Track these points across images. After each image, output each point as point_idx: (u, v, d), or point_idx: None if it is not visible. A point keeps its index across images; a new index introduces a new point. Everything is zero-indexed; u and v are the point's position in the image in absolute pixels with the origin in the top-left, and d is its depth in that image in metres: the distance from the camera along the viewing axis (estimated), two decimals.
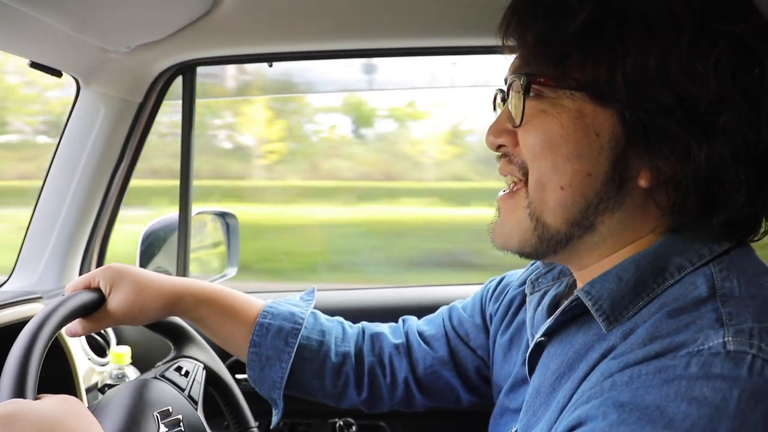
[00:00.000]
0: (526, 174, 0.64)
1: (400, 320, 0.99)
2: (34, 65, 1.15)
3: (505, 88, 0.68)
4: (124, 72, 1.27)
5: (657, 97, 0.56)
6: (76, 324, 0.82)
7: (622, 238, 0.62)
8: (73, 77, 1.27)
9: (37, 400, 0.62)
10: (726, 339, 0.50)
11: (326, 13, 1.18)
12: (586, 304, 0.60)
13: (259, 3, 1.12)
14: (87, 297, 0.81)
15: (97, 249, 1.42)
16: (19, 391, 0.63)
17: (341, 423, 1.43)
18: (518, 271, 0.90)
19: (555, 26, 0.59)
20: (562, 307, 0.64)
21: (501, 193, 0.70)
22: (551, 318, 0.66)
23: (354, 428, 1.43)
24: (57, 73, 1.21)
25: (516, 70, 0.64)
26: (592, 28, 0.58)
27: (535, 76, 0.61)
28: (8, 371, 0.65)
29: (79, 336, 0.84)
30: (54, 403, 0.59)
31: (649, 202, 0.60)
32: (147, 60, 1.27)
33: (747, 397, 0.47)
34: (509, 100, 0.65)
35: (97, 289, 0.83)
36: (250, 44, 1.26)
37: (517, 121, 0.63)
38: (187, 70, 1.34)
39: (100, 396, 1.19)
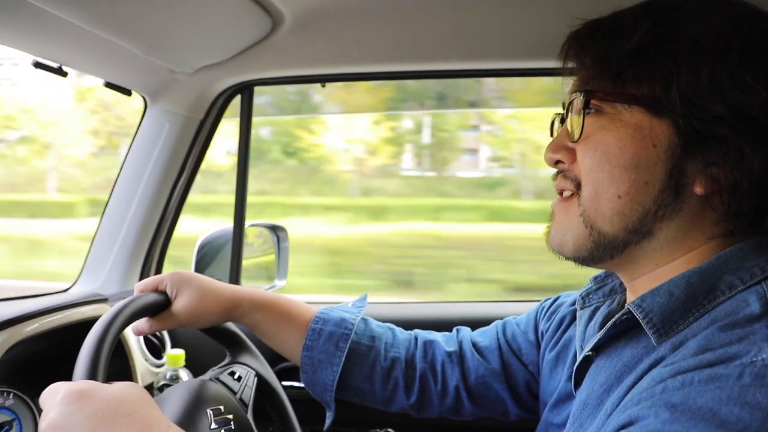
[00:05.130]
0: (578, 187, 0.67)
1: (454, 330, 1.02)
2: (108, 85, 1.25)
3: (563, 112, 0.72)
4: (188, 91, 1.36)
5: (710, 108, 0.59)
6: (143, 322, 0.88)
7: (679, 245, 0.64)
8: (141, 95, 1.37)
9: (107, 383, 0.68)
10: None
11: (377, 36, 1.24)
12: (637, 317, 0.62)
13: (313, 28, 1.19)
14: (155, 298, 0.88)
15: (156, 256, 1.51)
16: (92, 373, 0.69)
17: None
18: (572, 293, 0.91)
19: (612, 46, 0.64)
20: (613, 320, 0.66)
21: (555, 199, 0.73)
22: (601, 331, 0.67)
23: None
24: (127, 92, 1.31)
25: (576, 89, 0.68)
26: (646, 47, 0.62)
27: (594, 92, 0.65)
28: (83, 356, 0.71)
29: (146, 333, 0.90)
30: (121, 386, 0.65)
31: (706, 208, 0.62)
32: (209, 80, 1.35)
33: None
34: (568, 119, 0.69)
35: (164, 292, 0.90)
36: (304, 66, 1.33)
37: (576, 137, 0.67)
38: (245, 89, 1.43)
39: (158, 393, 1.26)
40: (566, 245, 0.69)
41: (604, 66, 0.65)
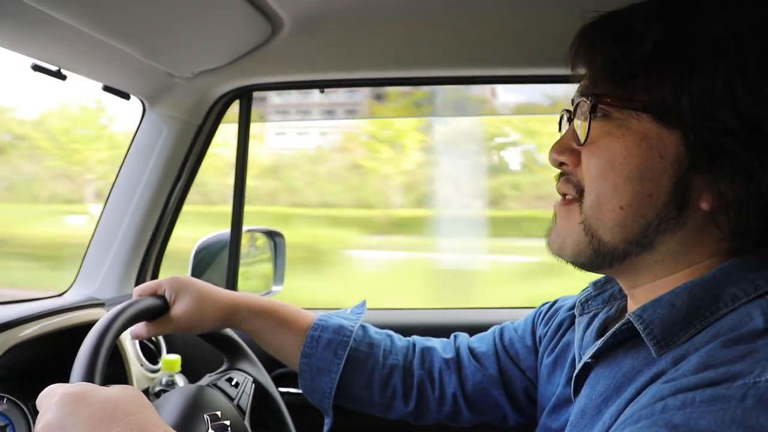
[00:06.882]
0: (581, 192, 0.65)
1: (451, 336, 1.01)
2: (107, 89, 1.24)
3: (572, 109, 0.69)
4: (186, 96, 1.36)
5: (722, 119, 0.56)
6: (140, 326, 0.88)
7: (681, 260, 0.63)
8: (139, 100, 1.36)
9: (104, 386, 0.67)
10: None
11: (377, 43, 1.24)
12: (637, 328, 0.61)
13: (313, 33, 1.19)
14: (153, 302, 0.87)
15: (153, 261, 1.50)
16: (89, 376, 0.69)
17: None
18: (570, 296, 0.90)
19: (623, 49, 0.61)
20: (613, 329, 0.64)
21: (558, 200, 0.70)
22: (601, 340, 0.66)
23: None
24: (126, 96, 1.31)
25: (584, 91, 0.66)
26: (659, 50, 0.59)
27: (603, 96, 0.62)
28: (81, 358, 0.71)
29: (143, 338, 0.89)
30: (118, 389, 0.64)
31: (711, 224, 0.60)
32: (208, 85, 1.35)
33: None
34: (575, 120, 0.66)
35: (162, 297, 0.90)
36: (303, 72, 1.33)
37: (582, 140, 0.64)
38: (244, 94, 1.43)
39: (154, 399, 1.25)
40: (565, 250, 0.68)
41: (613, 68, 0.62)
